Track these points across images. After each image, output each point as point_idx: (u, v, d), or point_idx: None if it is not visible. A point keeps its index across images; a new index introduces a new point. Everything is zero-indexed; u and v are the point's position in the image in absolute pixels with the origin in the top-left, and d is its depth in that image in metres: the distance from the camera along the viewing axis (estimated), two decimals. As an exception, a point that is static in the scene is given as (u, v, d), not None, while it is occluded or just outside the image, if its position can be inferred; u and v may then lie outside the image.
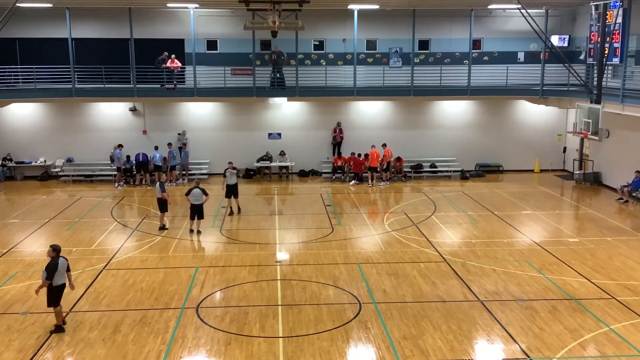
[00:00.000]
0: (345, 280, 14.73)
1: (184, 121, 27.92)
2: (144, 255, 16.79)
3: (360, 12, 25.94)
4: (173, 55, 26.00)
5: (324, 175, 28.27)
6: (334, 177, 27.56)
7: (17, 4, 21.28)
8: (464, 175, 27.85)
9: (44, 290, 11.94)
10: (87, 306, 13.22)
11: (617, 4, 22.47)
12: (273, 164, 27.73)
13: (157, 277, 15.04)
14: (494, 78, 27.00)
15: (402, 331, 11.94)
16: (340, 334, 11.88)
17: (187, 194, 19.05)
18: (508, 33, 27.99)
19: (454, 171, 28.17)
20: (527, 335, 11.75)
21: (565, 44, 27.75)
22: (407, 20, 26.71)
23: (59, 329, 11.92)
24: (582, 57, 26.76)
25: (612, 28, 22.96)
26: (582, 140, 26.98)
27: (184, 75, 26.90)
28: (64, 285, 12.01)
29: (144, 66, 25.65)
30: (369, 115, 28.42)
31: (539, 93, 26.79)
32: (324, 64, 27.66)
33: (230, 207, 21.36)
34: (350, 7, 25.28)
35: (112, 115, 27.65)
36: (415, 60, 26.96)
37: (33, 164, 27.48)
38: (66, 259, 12.09)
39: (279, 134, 28.28)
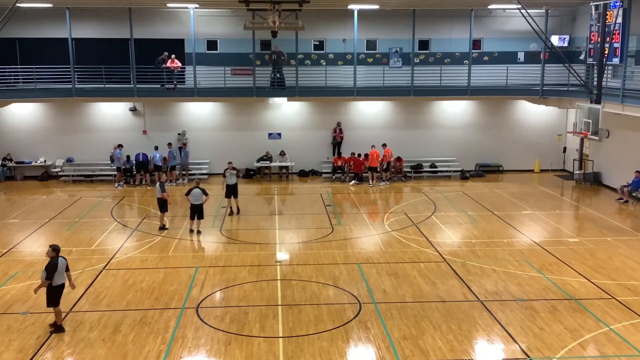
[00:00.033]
0: (345, 280, 14.73)
1: (184, 121, 27.92)
2: (144, 255, 16.79)
3: (360, 12, 25.94)
4: (173, 55, 26.00)
5: (324, 175, 28.26)
6: (334, 177, 27.55)
7: (17, 4, 21.29)
8: (464, 175, 27.84)
9: (44, 290, 11.94)
10: (87, 306, 13.22)
11: (617, 4, 22.47)
12: (273, 164, 27.73)
13: (157, 277, 15.04)
14: (494, 78, 27.00)
15: (402, 331, 11.94)
16: (340, 334, 11.88)
17: (187, 194, 19.05)
18: (508, 33, 27.98)
19: (454, 171, 28.17)
20: (527, 335, 11.75)
21: (565, 44, 27.74)
22: (407, 20, 26.71)
23: (59, 328, 11.92)
24: (582, 57, 26.75)
25: (612, 28, 22.96)
26: (582, 140, 26.97)
27: (184, 75, 26.90)
28: (63, 285, 12.02)
29: (144, 66, 25.65)
30: (369, 115, 28.41)
31: (539, 93, 26.78)
32: (324, 64, 27.65)
33: (230, 207, 21.37)
34: (350, 7, 25.27)
35: (112, 115, 27.65)
36: (415, 60, 26.95)
37: (33, 164, 27.47)
38: (65, 259, 12.09)
39: (279, 134, 28.28)
